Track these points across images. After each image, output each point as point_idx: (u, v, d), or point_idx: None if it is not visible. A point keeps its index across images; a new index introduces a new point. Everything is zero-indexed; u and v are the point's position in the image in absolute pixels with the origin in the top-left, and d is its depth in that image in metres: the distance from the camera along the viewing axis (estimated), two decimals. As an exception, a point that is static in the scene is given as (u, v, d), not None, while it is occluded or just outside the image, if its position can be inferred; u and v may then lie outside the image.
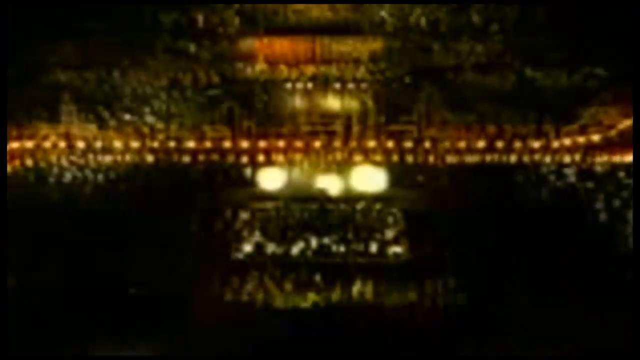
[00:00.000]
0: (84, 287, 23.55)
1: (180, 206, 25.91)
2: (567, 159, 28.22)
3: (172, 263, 24.24)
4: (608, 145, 29.05)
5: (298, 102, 32.92)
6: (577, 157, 28.37)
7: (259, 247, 25.44)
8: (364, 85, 33.00)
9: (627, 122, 29.56)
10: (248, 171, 28.36)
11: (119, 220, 24.83)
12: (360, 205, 27.00)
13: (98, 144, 28.32)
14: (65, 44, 30.02)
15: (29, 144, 27.38)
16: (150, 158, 27.78)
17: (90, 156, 27.79)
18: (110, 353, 21.29)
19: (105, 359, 21.47)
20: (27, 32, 28.02)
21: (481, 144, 28.87)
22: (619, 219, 25.24)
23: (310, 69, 34.10)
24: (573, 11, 29.88)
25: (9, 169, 26.44)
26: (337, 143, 30.17)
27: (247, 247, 25.54)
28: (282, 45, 34.20)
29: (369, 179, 27.57)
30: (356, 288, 24.23)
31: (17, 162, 27.12)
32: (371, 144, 29.73)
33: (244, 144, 29.41)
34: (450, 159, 28.86)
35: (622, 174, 26.86)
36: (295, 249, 25.43)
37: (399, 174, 27.92)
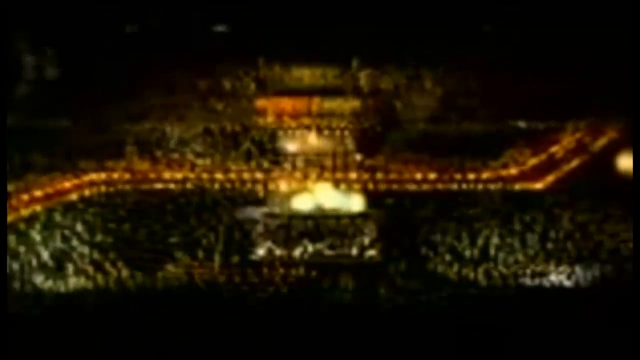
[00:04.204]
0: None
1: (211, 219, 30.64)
2: (492, 186, 33.90)
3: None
4: (522, 177, 34.60)
5: (298, 144, 38.10)
6: (500, 185, 34.00)
7: (269, 251, 29.02)
8: (346, 133, 38.60)
9: (535, 160, 35.63)
10: (261, 195, 33.51)
11: (165, 228, 30.04)
12: (344, 221, 31.06)
13: (151, 175, 33.81)
14: (128, 104, 36.35)
15: (103, 175, 33.20)
16: (189, 185, 33.54)
17: (146, 184, 33.24)
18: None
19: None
20: (102, 94, 34.66)
21: (432, 175, 34.64)
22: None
23: (307, 121, 39.68)
24: (496, 79, 36.69)
25: (88, 191, 32.14)
26: (327, 174, 35.25)
27: (261, 251, 28.96)
28: (286, 103, 40.10)
29: (351, 201, 32.51)
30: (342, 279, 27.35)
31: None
32: (352, 175, 35.16)
33: (258, 175, 34.78)
34: (410, 186, 34.19)
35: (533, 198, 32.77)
36: (297, 252, 29.05)
37: (373, 198, 32.88)
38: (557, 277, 26.95)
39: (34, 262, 27.25)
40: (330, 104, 39.64)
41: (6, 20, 31.93)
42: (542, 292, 26.42)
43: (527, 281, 26.95)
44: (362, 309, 25.14)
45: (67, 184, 32.91)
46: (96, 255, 27.79)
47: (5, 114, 30.77)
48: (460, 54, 37.77)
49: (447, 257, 28.26)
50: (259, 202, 32.84)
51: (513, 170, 35.05)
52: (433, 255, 28.37)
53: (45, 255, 27.86)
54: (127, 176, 33.93)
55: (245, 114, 39.23)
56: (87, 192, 32.75)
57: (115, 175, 33.78)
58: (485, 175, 34.47)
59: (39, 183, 32.53)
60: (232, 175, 34.45)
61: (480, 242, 29.16)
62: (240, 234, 29.84)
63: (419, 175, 34.63)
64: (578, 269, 27.24)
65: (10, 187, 31.42)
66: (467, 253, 28.52)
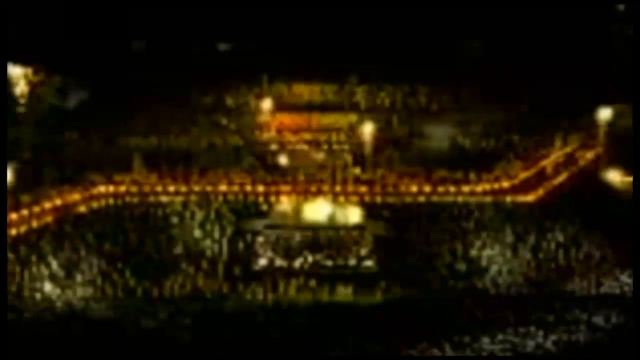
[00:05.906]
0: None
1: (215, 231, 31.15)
2: (486, 198, 34.79)
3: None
4: (513, 189, 35.73)
5: (298, 158, 39.28)
6: (492, 197, 34.94)
7: (270, 261, 29.35)
8: (344, 147, 40.16)
9: (526, 174, 36.66)
10: (263, 207, 34.46)
11: (171, 239, 30.69)
12: (342, 232, 31.53)
13: (158, 188, 34.59)
14: (136, 119, 37.63)
15: (111, 188, 33.95)
16: (194, 197, 34.31)
17: (152, 196, 34.10)
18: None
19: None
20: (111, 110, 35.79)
21: (427, 188, 35.50)
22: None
23: (306, 135, 41.23)
24: (487, 96, 38.06)
25: (96, 204, 32.99)
26: (326, 187, 35.90)
27: (262, 261, 29.29)
28: (286, 118, 41.77)
29: (349, 213, 33.27)
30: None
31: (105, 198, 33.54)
32: (350, 188, 35.89)
33: (260, 188, 35.63)
34: (406, 198, 35.05)
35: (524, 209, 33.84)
36: (296, 262, 29.26)
37: (369, 210, 33.78)
38: (550, 285, 27.58)
39: (45, 271, 27.92)
40: (329, 119, 40.94)
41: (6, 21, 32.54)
42: (535, 300, 26.76)
43: (520, 290, 27.29)
44: (359, 317, 25.33)
45: (77, 197, 33.73)
46: (104, 265, 28.46)
47: (5, 115, 31.37)
48: (453, 71, 39.21)
49: (441, 268, 28.87)
50: (261, 214, 33.80)
51: (504, 183, 36.03)
52: (427, 265, 28.96)
53: (54, 264, 28.44)
54: (134, 189, 34.70)
55: (247, 128, 40.38)
56: (95, 205, 33.55)
57: (123, 188, 34.54)
58: (478, 187, 35.40)
59: (50, 196, 33.21)
60: (235, 188, 35.25)
61: (473, 252, 29.88)
62: (243, 245, 30.30)
63: (414, 188, 35.50)
64: (569, 278, 27.97)
65: (22, 199, 32.10)
66: (461, 262, 29.26)
